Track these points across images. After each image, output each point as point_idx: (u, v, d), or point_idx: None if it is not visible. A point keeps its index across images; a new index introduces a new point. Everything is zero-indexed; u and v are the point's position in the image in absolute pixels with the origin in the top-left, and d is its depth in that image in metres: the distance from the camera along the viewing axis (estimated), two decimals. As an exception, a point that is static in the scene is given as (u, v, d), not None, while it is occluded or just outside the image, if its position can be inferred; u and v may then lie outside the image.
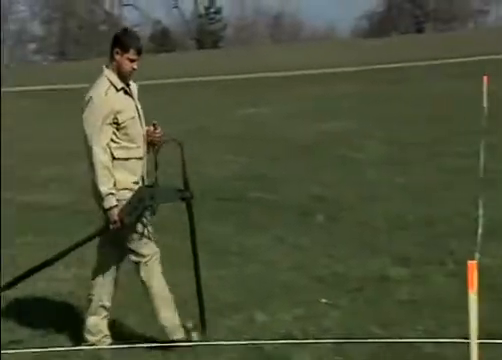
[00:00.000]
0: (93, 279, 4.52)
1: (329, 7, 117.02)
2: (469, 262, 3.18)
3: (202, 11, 71.14)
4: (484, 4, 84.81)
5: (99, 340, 4.49)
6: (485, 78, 15.82)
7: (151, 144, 4.44)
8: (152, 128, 4.45)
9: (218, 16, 71.62)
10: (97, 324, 4.49)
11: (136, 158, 4.35)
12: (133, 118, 4.33)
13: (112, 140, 4.25)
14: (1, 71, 36.63)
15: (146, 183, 4.41)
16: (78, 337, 4.55)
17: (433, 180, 9.28)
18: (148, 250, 4.35)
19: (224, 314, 4.81)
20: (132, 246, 4.34)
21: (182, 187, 4.39)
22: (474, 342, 2.95)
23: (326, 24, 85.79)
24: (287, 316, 4.82)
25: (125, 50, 4.30)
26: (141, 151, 4.38)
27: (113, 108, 4.24)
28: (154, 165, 4.31)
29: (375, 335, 4.35)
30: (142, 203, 4.22)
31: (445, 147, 11.54)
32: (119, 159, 4.28)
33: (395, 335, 4.30)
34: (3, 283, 4.76)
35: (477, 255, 5.68)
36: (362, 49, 45.73)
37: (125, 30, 4.46)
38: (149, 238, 4.34)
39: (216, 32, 71.03)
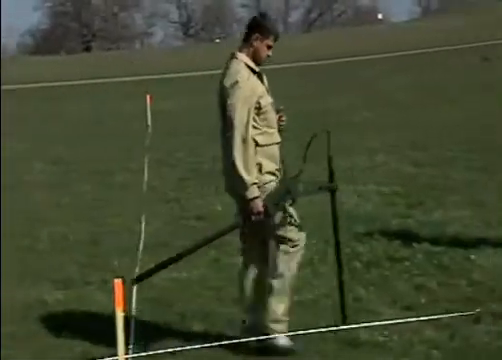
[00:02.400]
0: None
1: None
2: (115, 280, 3.19)
3: None
4: (148, 26, 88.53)
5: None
6: (148, 97, 16.41)
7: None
8: (277, 115, 4.33)
9: None
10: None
11: (275, 143, 4.24)
12: (270, 103, 4.22)
13: (253, 126, 4.10)
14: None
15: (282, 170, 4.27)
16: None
17: (101, 197, 9.30)
18: (296, 235, 4.27)
19: None
20: (280, 233, 4.21)
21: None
22: (122, 358, 2.98)
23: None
24: None
25: (266, 36, 4.17)
26: (278, 136, 4.26)
27: (256, 92, 4.12)
28: (303, 158, 4.23)
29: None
30: (289, 194, 4.13)
31: (111, 164, 11.66)
32: (261, 145, 4.13)
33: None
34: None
35: (137, 270, 5.82)
36: (26, 66, 44.54)
37: (265, 15, 4.27)
38: (295, 224, 4.23)
39: None
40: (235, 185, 4.10)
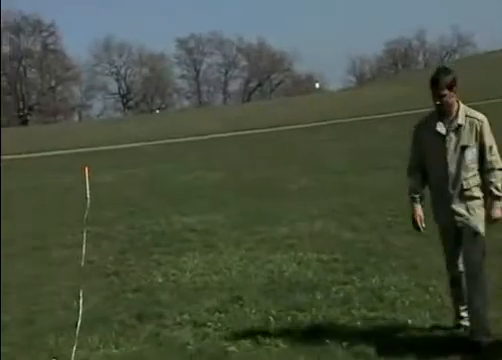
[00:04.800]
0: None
1: None
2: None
3: None
4: (86, 99, 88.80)
5: None
6: (86, 169, 16.26)
7: None
8: None
9: None
10: None
11: None
12: None
13: None
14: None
15: None
16: None
17: (38, 274, 9.10)
18: None
19: None
20: None
21: None
22: None
23: None
24: None
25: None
26: None
27: None
28: None
29: None
30: None
31: (49, 239, 11.46)
32: None
33: None
34: None
35: (74, 348, 5.68)
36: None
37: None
38: None
39: None
40: None
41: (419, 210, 5.27)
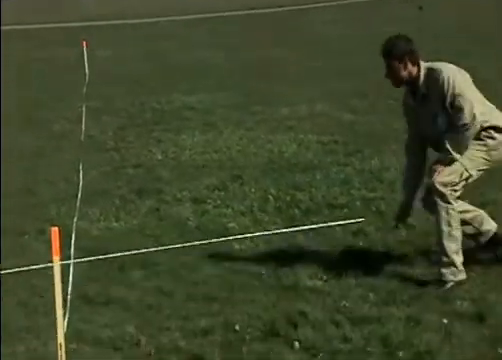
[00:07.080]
0: None
1: None
2: (52, 228, 3.14)
3: None
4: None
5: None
6: (84, 43, 15.95)
7: None
8: None
9: None
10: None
11: None
12: None
13: None
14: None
15: None
16: None
17: (39, 146, 9.11)
18: None
19: None
20: None
21: None
22: (60, 314, 2.94)
23: None
24: None
25: None
26: None
27: None
28: None
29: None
30: None
31: (49, 113, 11.39)
32: None
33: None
34: None
35: (75, 219, 5.77)
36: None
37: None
38: None
39: None
40: None
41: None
